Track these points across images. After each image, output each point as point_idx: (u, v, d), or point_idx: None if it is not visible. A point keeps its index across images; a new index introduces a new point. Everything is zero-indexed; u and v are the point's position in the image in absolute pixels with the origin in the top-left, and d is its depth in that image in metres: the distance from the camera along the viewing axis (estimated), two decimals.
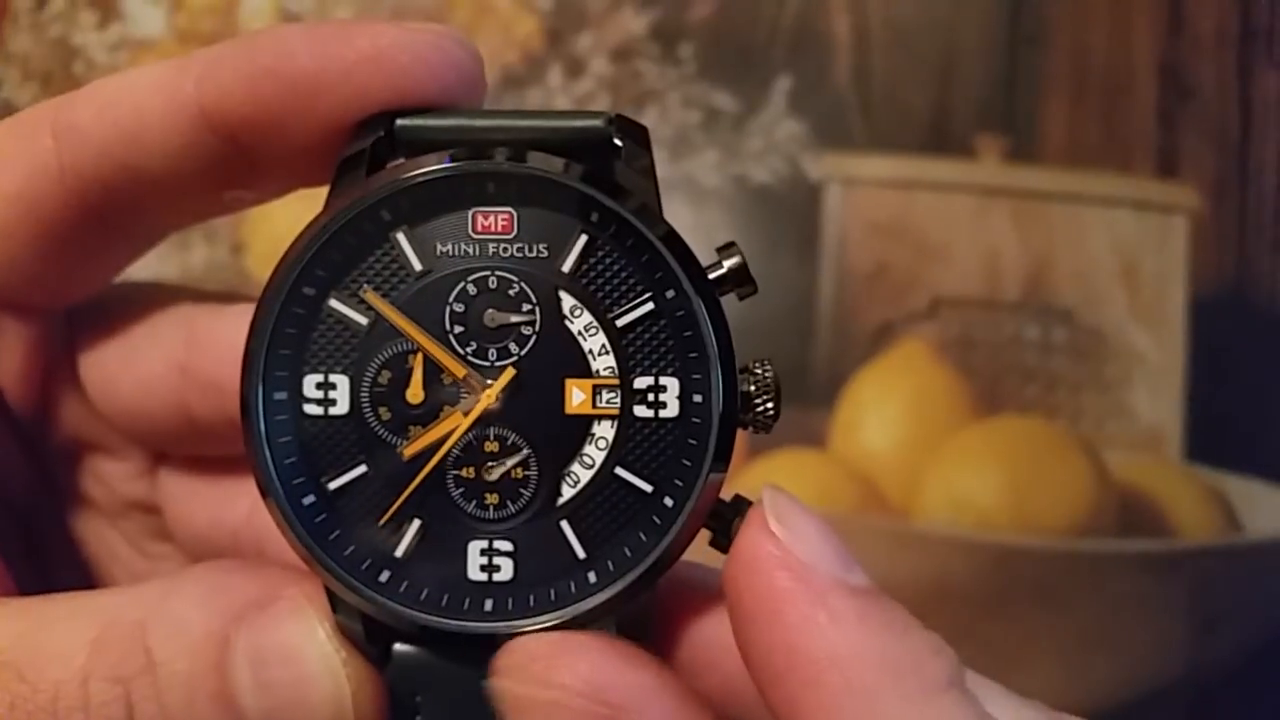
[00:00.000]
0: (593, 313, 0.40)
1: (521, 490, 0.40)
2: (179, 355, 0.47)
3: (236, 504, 0.50)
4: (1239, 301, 0.98)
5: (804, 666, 0.35)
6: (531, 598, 0.40)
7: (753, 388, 0.40)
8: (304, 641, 0.39)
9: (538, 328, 0.40)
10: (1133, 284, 0.98)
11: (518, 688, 0.38)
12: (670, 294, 0.40)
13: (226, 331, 0.46)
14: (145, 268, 0.51)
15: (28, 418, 0.49)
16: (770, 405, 0.40)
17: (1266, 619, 0.92)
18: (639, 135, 0.41)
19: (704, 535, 0.40)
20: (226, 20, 1.07)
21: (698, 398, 0.40)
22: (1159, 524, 0.94)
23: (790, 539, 0.36)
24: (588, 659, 0.37)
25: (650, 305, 0.40)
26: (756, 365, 0.40)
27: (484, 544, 0.40)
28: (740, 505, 0.40)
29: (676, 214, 1.00)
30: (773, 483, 0.39)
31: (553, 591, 0.40)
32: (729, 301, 0.40)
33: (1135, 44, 1.02)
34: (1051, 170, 1.01)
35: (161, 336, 0.48)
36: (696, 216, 1.00)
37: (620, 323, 0.40)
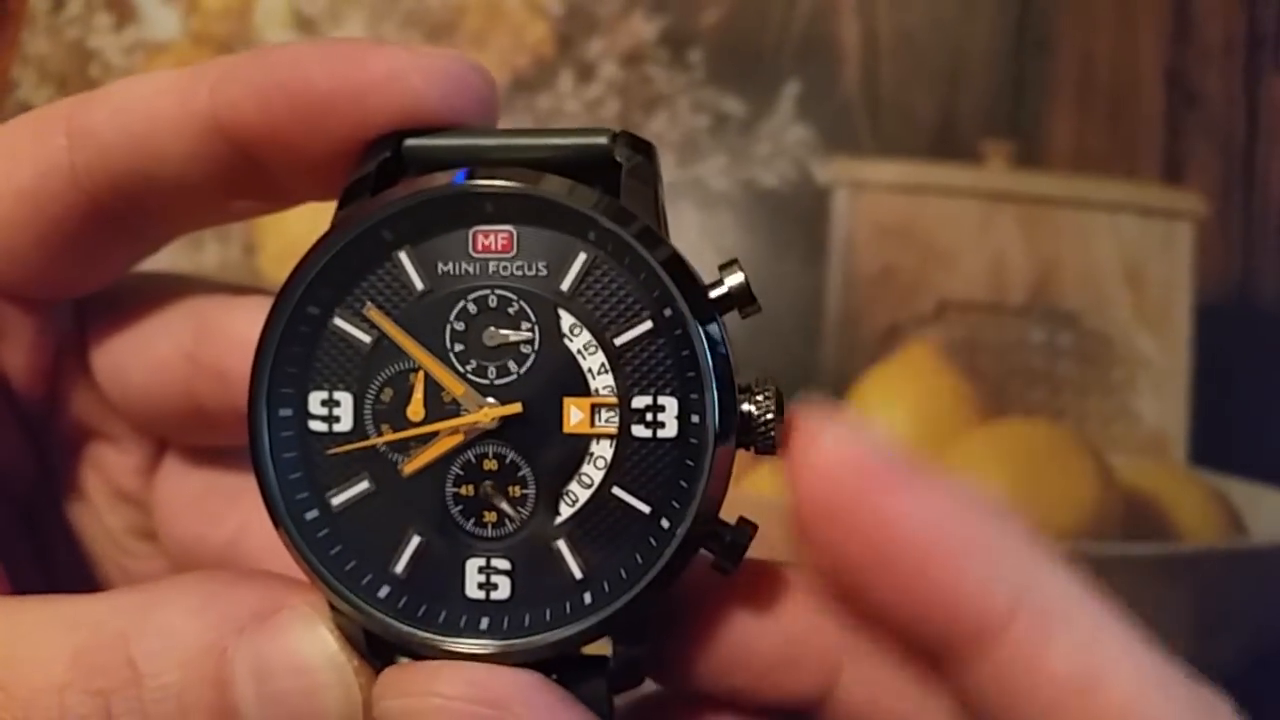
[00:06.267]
0: (591, 331, 0.40)
1: (520, 508, 0.40)
2: (188, 344, 0.47)
3: (224, 523, 0.50)
4: (1244, 306, 0.98)
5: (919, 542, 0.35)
6: (527, 617, 0.40)
7: (754, 408, 0.39)
8: (314, 651, 0.39)
9: (537, 346, 0.40)
10: (1138, 289, 0.99)
11: (399, 704, 0.38)
12: (668, 313, 0.39)
13: (236, 323, 0.47)
14: (157, 265, 0.51)
15: (33, 405, 0.50)
16: (772, 426, 0.39)
17: (1271, 623, 0.92)
18: (644, 150, 0.40)
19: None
20: (241, 23, 1.07)
21: (696, 418, 0.39)
22: (1163, 527, 0.94)
23: (855, 442, 0.37)
24: (467, 668, 0.38)
25: (649, 324, 0.39)
26: (758, 385, 0.39)
27: (482, 562, 0.40)
28: (744, 527, 0.39)
29: (685, 218, 1.01)
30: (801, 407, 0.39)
31: (549, 611, 0.40)
32: (734, 316, 0.40)
33: (1142, 50, 1.02)
34: (1058, 176, 1.01)
35: (172, 325, 0.48)
36: (705, 220, 1.01)
37: (619, 341, 0.39)
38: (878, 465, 0.36)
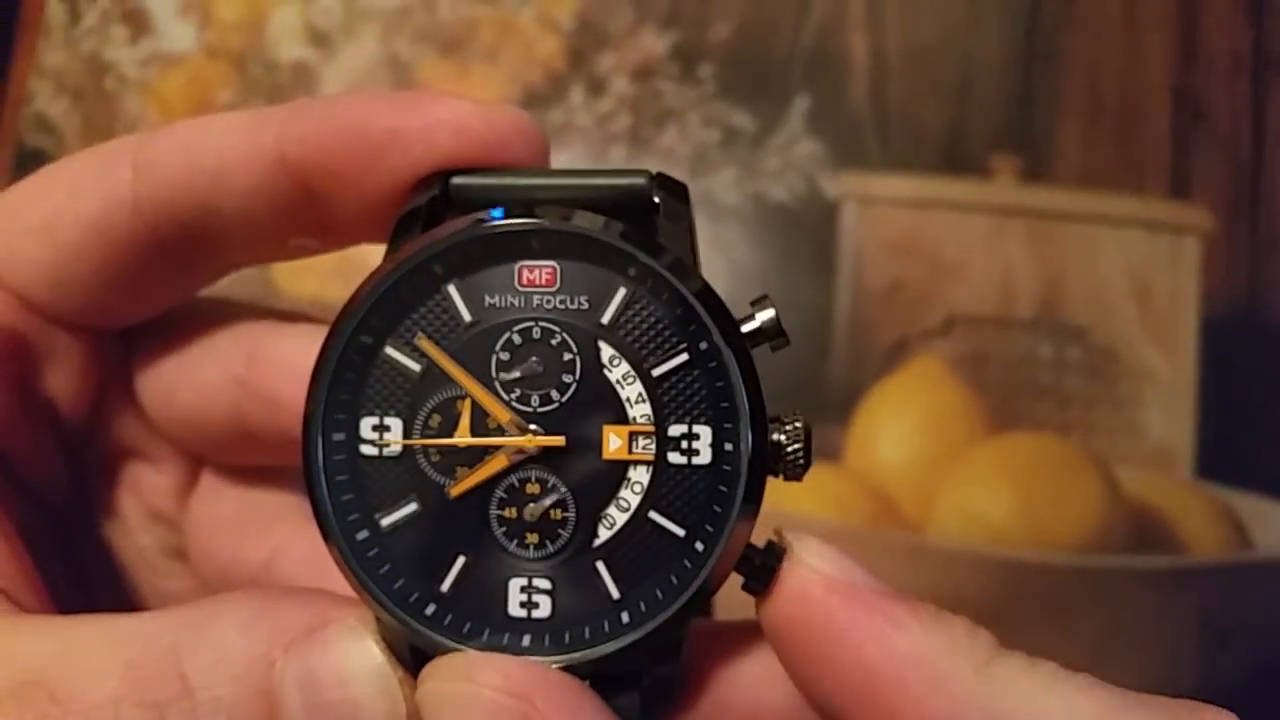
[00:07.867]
0: (630, 362, 0.41)
1: (560, 531, 0.42)
2: (238, 369, 0.49)
3: (258, 548, 0.52)
4: (1250, 321, 0.99)
5: (885, 674, 0.37)
6: (567, 635, 0.41)
7: (783, 437, 0.41)
8: (360, 663, 0.40)
9: (578, 376, 0.42)
10: (1145, 303, 0.99)
11: (438, 686, 0.39)
12: (704, 346, 0.41)
13: (287, 349, 0.49)
14: None
15: (75, 427, 0.51)
16: (800, 454, 0.41)
17: (1276, 636, 0.93)
18: (679, 192, 0.43)
19: (735, 579, 0.41)
20: (256, 37, 1.08)
21: (729, 446, 0.41)
22: (1170, 540, 0.95)
23: (829, 568, 0.38)
24: (500, 660, 0.39)
25: (685, 356, 0.41)
26: (788, 416, 0.42)
27: (524, 581, 0.42)
28: (772, 550, 0.41)
29: (696, 231, 1.01)
30: (781, 526, 0.41)
31: (587, 629, 0.41)
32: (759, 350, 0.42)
33: (1149, 66, 1.03)
34: (1065, 190, 1.01)
35: (221, 350, 0.50)
36: (715, 234, 1.01)
37: (656, 372, 0.41)
38: (856, 598, 0.38)
